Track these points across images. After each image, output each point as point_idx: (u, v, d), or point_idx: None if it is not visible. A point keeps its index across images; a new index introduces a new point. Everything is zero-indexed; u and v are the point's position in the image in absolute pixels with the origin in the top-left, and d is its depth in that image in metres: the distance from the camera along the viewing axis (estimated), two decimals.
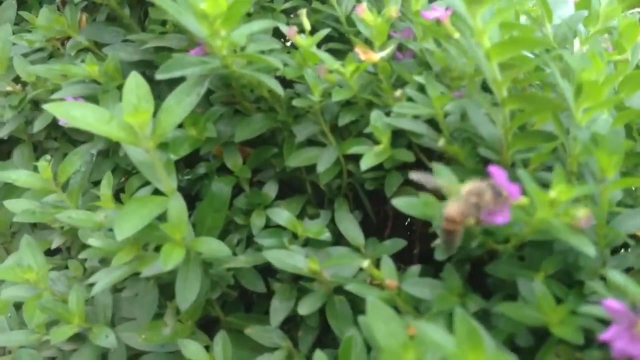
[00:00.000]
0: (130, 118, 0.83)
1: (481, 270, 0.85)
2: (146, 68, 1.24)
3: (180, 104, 0.89)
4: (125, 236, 0.81)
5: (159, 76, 0.86)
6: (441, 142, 0.84)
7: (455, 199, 0.69)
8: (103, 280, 0.95)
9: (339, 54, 1.05)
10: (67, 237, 1.29)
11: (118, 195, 1.13)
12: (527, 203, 0.64)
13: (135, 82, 0.88)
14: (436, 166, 0.72)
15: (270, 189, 1.05)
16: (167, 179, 0.90)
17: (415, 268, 0.83)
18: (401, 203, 0.75)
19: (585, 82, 0.68)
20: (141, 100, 0.86)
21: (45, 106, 0.84)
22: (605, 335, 0.59)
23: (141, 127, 0.84)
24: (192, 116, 0.97)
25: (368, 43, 0.97)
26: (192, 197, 1.12)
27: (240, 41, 0.84)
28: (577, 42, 0.96)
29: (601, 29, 0.93)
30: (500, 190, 0.66)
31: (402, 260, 0.94)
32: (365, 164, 0.87)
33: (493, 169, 0.64)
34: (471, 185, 0.68)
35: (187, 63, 0.89)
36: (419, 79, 0.91)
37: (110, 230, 0.98)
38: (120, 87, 1.17)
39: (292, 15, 1.24)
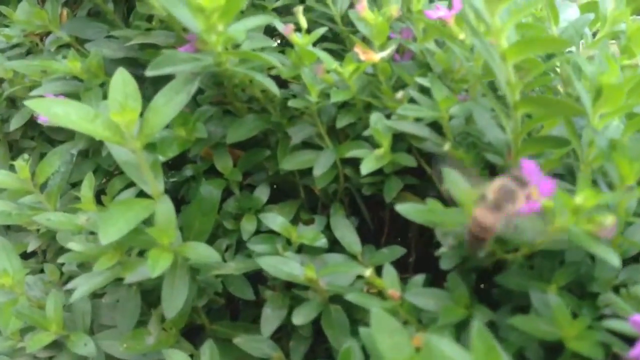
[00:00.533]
0: (117, 116, 0.79)
1: (485, 280, 0.82)
2: (130, 66, 1.19)
3: (170, 103, 0.84)
4: (110, 240, 0.77)
5: (149, 73, 0.81)
6: (447, 147, 0.80)
7: (485, 205, 0.63)
8: (83, 286, 0.90)
9: (333, 54, 1.02)
10: (43, 240, 1.24)
11: (98, 198, 1.08)
12: (552, 206, 0.60)
13: (122, 79, 0.84)
14: (446, 170, 0.68)
15: (262, 193, 1.00)
16: (154, 181, 0.86)
17: (419, 277, 0.79)
18: (406, 209, 0.71)
19: (605, 85, 0.65)
20: (128, 98, 0.82)
21: (26, 102, 0.79)
22: (634, 351, 0.56)
23: (128, 126, 0.80)
24: (181, 116, 0.93)
25: (366, 42, 0.93)
26: (177, 200, 1.07)
27: (238, 37, 0.80)
28: (582, 46, 0.93)
29: (608, 33, 0.90)
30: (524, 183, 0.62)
31: (397, 268, 0.90)
32: (365, 168, 0.83)
33: (526, 163, 0.60)
34: (498, 186, 0.63)
35: (178, 60, 0.84)
36: (422, 80, 0.88)
37: (92, 233, 0.94)
38: (103, 85, 1.13)
39: (282, 13, 1.20)
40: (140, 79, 0.85)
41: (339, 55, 1.02)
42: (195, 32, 0.82)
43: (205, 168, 1.06)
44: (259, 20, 0.86)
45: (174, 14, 0.80)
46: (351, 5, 1.09)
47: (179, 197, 1.09)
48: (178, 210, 1.00)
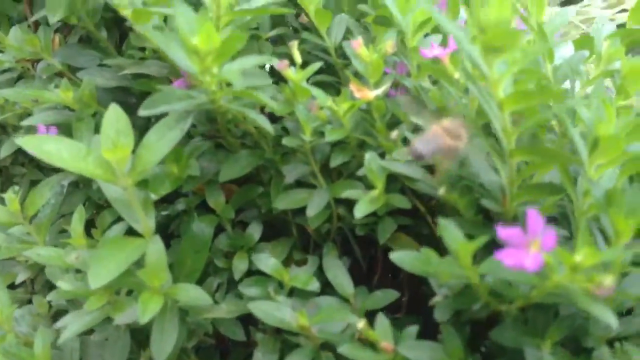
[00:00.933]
0: (109, 154, 0.78)
1: (478, 335, 0.80)
2: (123, 94, 1.18)
3: (162, 140, 0.84)
4: (100, 284, 0.75)
5: (142, 113, 0.81)
6: (442, 191, 0.79)
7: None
8: (72, 325, 0.88)
9: (327, 87, 1.02)
10: (32, 270, 1.22)
11: (89, 228, 1.06)
12: (551, 261, 0.58)
13: (114, 115, 0.82)
14: (442, 221, 0.67)
15: (255, 230, 0.99)
16: (145, 219, 0.85)
17: (413, 328, 0.78)
18: (400, 258, 0.70)
19: (602, 137, 0.64)
20: (120, 134, 0.81)
21: (16, 140, 0.78)
22: None
23: (119, 163, 0.79)
24: (173, 152, 0.92)
25: (359, 77, 0.92)
26: (169, 235, 1.06)
27: (232, 78, 0.78)
28: (577, 84, 0.92)
29: (604, 72, 0.89)
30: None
31: (390, 308, 0.89)
32: (359, 211, 0.82)
33: (530, 212, 0.59)
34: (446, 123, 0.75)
35: (172, 97, 0.83)
36: (416, 119, 0.86)
37: (79, 271, 0.92)
38: (95, 115, 1.12)
39: (276, 42, 1.19)
40: (132, 107, 0.83)
41: (333, 88, 1.01)
42: (189, 72, 0.81)
43: (198, 202, 1.04)
44: (255, 60, 0.85)
45: (169, 55, 0.79)
46: (345, 37, 1.09)
47: (171, 232, 1.07)
48: (169, 244, 1.00)
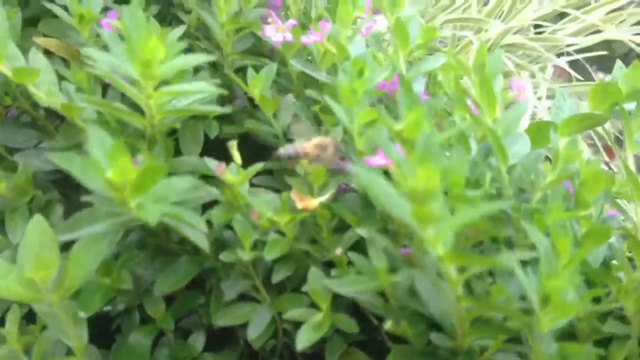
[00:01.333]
0: (32, 273, 0.73)
1: None
2: (62, 176, 1.11)
3: (90, 253, 0.78)
4: None
5: (62, 238, 0.74)
6: (388, 325, 0.73)
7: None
8: None
9: (276, 175, 0.96)
10: None
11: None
12: None
13: (39, 228, 0.77)
14: None
15: (198, 340, 0.93)
16: (76, 334, 0.80)
17: None
18: None
19: (552, 293, 0.58)
20: (44, 249, 0.76)
21: None
22: None
23: (44, 280, 0.74)
24: (104, 264, 0.86)
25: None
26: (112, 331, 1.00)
27: (150, 215, 0.72)
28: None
29: (562, 173, 0.83)
30: (341, 149, 0.88)
31: None
32: (302, 341, 0.76)
33: None
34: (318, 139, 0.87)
35: (96, 217, 0.76)
36: (362, 232, 0.81)
37: None
38: (31, 202, 1.05)
39: (225, 120, 1.13)
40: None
41: (281, 176, 0.96)
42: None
43: (140, 301, 0.98)
44: (185, 182, 0.78)
45: (87, 184, 0.72)
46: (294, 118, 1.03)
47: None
48: (113, 340, 0.94)
